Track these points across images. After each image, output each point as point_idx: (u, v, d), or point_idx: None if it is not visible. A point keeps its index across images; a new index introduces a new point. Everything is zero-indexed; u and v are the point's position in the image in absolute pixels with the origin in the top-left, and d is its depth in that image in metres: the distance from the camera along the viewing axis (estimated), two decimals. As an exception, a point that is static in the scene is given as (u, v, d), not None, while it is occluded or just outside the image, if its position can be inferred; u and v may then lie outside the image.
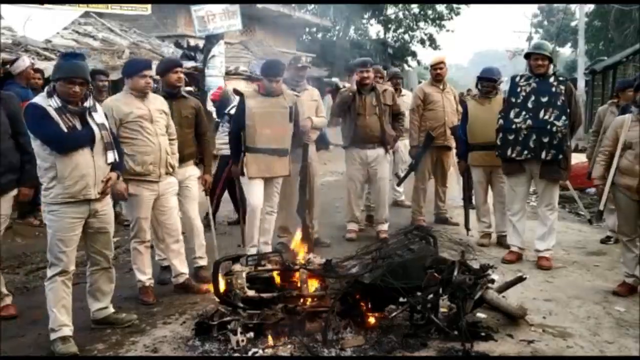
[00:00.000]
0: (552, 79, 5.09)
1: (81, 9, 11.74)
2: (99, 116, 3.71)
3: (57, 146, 3.50)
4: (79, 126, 3.57)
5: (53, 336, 3.58)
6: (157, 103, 4.41)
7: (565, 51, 40.52)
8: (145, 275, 4.47)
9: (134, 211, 4.38)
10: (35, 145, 3.56)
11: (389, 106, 6.07)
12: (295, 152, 5.44)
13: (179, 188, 4.67)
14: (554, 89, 5.03)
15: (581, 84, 19.01)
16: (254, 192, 5.21)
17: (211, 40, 10.87)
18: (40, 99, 3.55)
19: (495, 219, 6.09)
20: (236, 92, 5.64)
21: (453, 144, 6.85)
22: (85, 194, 3.59)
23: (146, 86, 4.26)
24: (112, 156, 3.71)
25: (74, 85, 3.49)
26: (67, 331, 3.61)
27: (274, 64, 5.25)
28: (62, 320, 3.59)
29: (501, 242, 5.98)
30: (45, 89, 3.60)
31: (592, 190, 8.14)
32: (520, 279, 4.04)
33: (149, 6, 13.38)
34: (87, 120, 3.61)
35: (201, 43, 11.83)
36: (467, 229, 6.28)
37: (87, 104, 3.63)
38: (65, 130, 3.49)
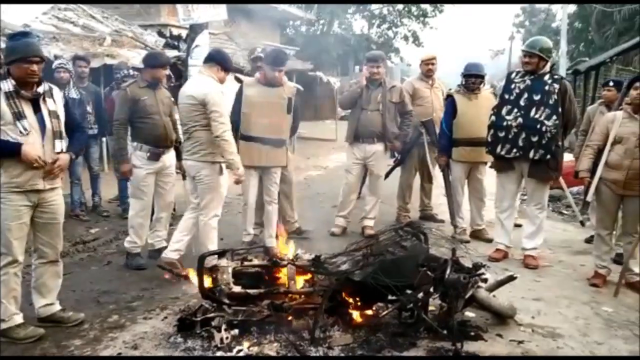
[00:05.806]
0: (546, 77, 4.98)
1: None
2: (52, 103, 3.53)
3: None
4: (29, 113, 3.39)
5: (4, 326, 3.48)
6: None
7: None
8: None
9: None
10: None
11: (395, 104, 5.97)
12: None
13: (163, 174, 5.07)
14: (547, 87, 4.93)
15: (563, 84, 19.14)
16: (248, 185, 5.22)
17: (195, 29, 10.64)
18: None
19: (470, 213, 6.19)
20: (237, 79, 5.63)
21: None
22: (33, 184, 3.43)
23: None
24: (59, 146, 3.53)
25: (31, 64, 3.36)
26: (19, 319, 3.53)
27: (279, 53, 5.33)
28: (12, 310, 3.51)
29: (477, 235, 6.11)
30: None
31: (575, 189, 8.16)
32: (511, 278, 3.99)
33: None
34: (40, 106, 3.45)
35: (184, 33, 11.61)
36: (454, 225, 6.18)
37: (41, 89, 3.47)
38: (11, 116, 3.30)
